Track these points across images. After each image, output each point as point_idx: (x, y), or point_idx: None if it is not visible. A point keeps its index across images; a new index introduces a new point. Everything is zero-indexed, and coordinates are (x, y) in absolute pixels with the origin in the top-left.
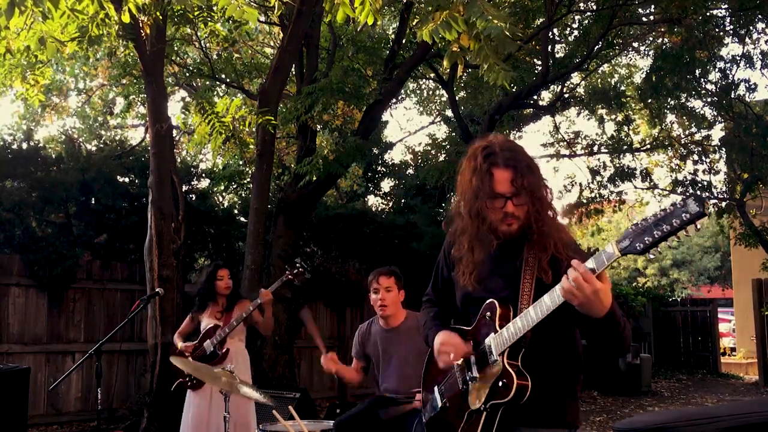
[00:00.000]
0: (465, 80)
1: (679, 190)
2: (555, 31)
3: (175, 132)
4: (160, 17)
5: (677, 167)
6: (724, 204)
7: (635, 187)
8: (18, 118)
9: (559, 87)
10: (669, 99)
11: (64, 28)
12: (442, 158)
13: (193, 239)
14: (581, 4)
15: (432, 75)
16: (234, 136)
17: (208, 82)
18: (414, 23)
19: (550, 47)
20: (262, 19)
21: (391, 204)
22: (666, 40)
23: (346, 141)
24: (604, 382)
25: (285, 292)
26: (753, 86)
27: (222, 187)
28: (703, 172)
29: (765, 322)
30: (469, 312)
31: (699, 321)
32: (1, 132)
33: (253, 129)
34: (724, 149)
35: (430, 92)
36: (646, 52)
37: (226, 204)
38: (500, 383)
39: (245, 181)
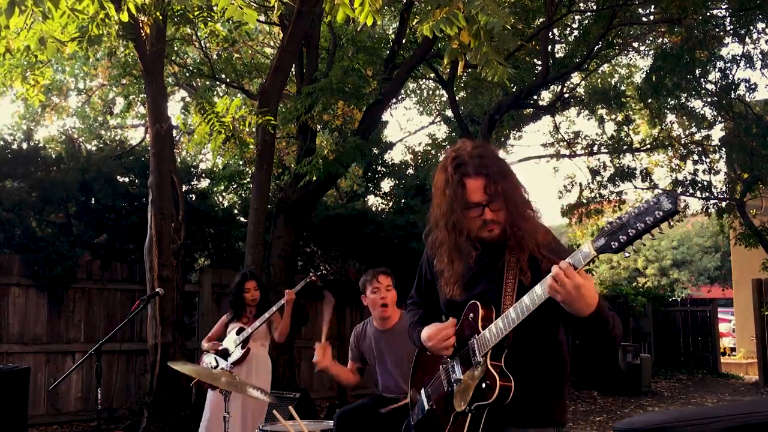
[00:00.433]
0: (465, 80)
1: (679, 190)
2: (555, 31)
3: (175, 132)
4: (160, 17)
5: (677, 167)
6: (724, 204)
7: (635, 187)
8: (18, 118)
9: (559, 87)
10: (669, 99)
11: (64, 28)
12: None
13: (193, 239)
14: (581, 4)
15: (432, 75)
16: (234, 136)
17: (208, 82)
18: (414, 23)
19: (550, 47)
20: (262, 19)
21: (391, 204)
22: (666, 40)
23: (346, 141)
24: (604, 382)
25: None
26: (753, 86)
27: (222, 187)
28: (703, 172)
29: (765, 322)
30: (454, 316)
31: (699, 321)
32: (1, 132)
33: (253, 129)
34: (724, 149)
35: (430, 92)
36: (646, 52)
37: (226, 204)
38: (483, 385)
39: (245, 181)
